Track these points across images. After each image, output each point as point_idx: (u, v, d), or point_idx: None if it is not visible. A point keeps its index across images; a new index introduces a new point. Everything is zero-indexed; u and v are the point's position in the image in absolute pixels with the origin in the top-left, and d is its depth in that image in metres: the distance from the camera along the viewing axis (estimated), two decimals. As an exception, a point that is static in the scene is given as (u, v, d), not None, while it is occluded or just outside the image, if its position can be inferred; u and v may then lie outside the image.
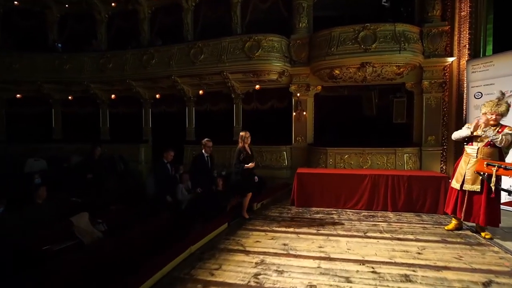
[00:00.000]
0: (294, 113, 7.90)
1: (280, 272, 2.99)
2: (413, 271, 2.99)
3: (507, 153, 3.75)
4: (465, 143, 4.01)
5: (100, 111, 10.05)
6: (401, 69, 6.82)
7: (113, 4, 9.34)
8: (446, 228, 4.26)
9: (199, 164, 5.28)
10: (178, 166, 6.86)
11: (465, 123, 6.12)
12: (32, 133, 10.31)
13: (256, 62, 7.42)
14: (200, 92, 8.77)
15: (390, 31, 6.54)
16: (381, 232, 4.18)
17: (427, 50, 6.87)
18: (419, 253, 3.43)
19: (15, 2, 9.56)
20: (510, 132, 3.59)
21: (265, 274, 2.96)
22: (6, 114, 10.57)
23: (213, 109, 9.08)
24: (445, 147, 6.95)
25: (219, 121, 8.79)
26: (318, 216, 5.04)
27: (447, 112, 6.93)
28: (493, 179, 3.37)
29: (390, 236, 4.00)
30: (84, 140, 9.52)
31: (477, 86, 5.77)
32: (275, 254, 3.44)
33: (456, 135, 4.05)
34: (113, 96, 9.66)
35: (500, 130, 3.66)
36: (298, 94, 7.82)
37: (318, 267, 3.10)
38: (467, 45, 6.30)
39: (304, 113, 7.82)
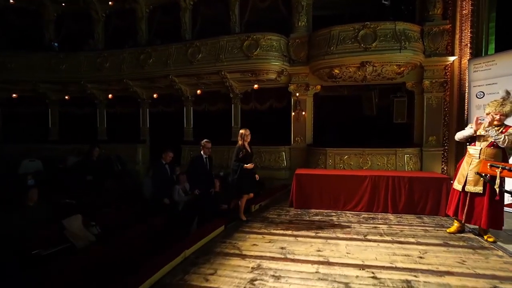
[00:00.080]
0: (293, 113, 7.80)
1: (277, 278, 2.88)
2: (415, 276, 2.88)
3: (511, 154, 3.65)
4: (467, 144, 3.91)
5: (97, 111, 9.95)
6: (402, 68, 6.71)
7: (110, 3, 9.24)
8: (448, 230, 4.15)
9: (197, 166, 5.15)
10: (174, 167, 6.76)
11: (467, 123, 6.04)
12: (29, 133, 10.21)
13: (255, 61, 7.32)
14: (198, 91, 8.67)
15: (391, 29, 6.44)
16: (381, 235, 4.07)
17: (428, 49, 6.77)
18: (420, 257, 3.32)
19: (11, 1, 9.46)
20: (515, 132, 3.49)
21: (261, 279, 2.85)
22: (2, 114, 10.48)
23: (211, 109, 8.99)
24: (446, 147, 6.85)
25: (217, 121, 8.69)
26: (317, 218, 4.93)
27: (448, 112, 6.83)
28: (497, 181, 3.26)
29: (391, 239, 3.89)
30: (81, 141, 9.44)
31: (479, 86, 5.67)
32: (272, 258, 3.33)
33: (460, 135, 3.94)
34: (110, 96, 9.55)
35: (504, 130, 3.56)
36: (297, 94, 7.72)
37: (316, 272, 2.99)
38: (468, 44, 6.20)
39: (303, 113, 7.72)
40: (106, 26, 9.63)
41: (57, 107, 10.18)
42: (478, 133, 3.71)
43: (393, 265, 3.12)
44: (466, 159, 3.88)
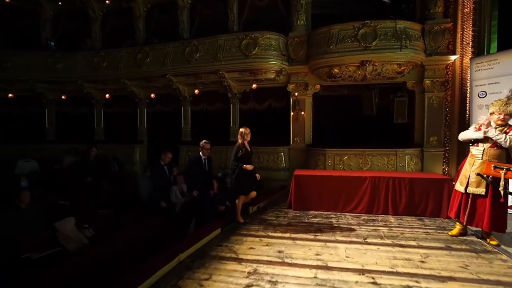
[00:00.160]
0: (292, 113, 7.70)
1: (274, 283, 2.78)
2: (416, 282, 2.78)
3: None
4: (470, 144, 3.81)
5: (95, 111, 9.86)
6: (402, 68, 6.62)
7: (107, 1, 9.14)
8: (450, 233, 4.05)
9: (195, 167, 5.03)
10: (171, 168, 6.66)
11: (469, 123, 5.94)
12: (25, 133, 10.11)
13: (253, 60, 7.23)
14: (196, 91, 8.58)
15: (391, 28, 6.35)
16: (381, 237, 3.97)
17: (429, 48, 6.67)
18: (422, 262, 3.22)
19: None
20: (518, 132, 3.39)
21: (257, 285, 2.75)
22: (-2, 113, 10.38)
23: (209, 109, 8.90)
24: (447, 148, 6.75)
25: (216, 121, 8.60)
26: (316, 220, 4.83)
27: (450, 112, 6.73)
28: (502, 183, 3.16)
29: (391, 242, 3.79)
30: (78, 141, 9.35)
31: (481, 85, 5.57)
32: (269, 263, 3.23)
33: (464, 136, 3.84)
34: (107, 95, 9.46)
35: (508, 130, 3.45)
36: (296, 94, 7.62)
37: (314, 277, 2.90)
38: (470, 43, 6.10)
39: (302, 113, 7.62)
40: (103, 25, 9.54)
41: (54, 107, 10.08)
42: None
43: (394, 270, 3.02)
44: (468, 160, 3.79)
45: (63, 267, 3.09)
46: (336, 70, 6.83)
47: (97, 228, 4.33)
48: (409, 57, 6.43)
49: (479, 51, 6.01)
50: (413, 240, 3.85)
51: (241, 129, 4.59)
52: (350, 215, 5.06)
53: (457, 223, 4.01)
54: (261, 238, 3.99)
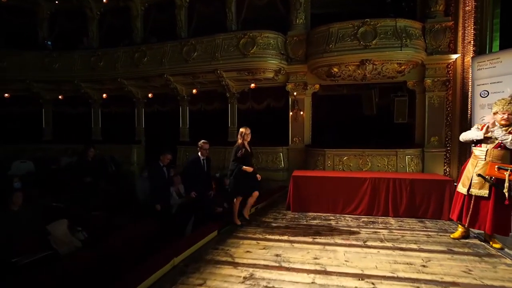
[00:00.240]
0: (291, 113, 7.61)
1: (270, 289, 2.68)
2: (418, 287, 2.69)
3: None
4: (473, 145, 3.71)
5: (92, 111, 9.77)
6: (403, 67, 6.52)
7: (104, 0, 9.04)
8: (452, 236, 3.94)
9: (194, 168, 4.89)
10: (170, 169, 6.55)
11: (470, 123, 5.84)
12: (22, 133, 10.02)
13: (251, 59, 7.13)
14: (194, 91, 8.48)
15: (391, 26, 6.25)
16: (381, 240, 3.87)
17: (429, 47, 6.57)
18: (423, 266, 3.12)
19: (3, -1, 9.28)
20: (523, 133, 3.29)
21: (253, 291, 2.66)
22: (-6, 113, 10.29)
23: (208, 109, 8.81)
24: (448, 148, 6.65)
25: (214, 121, 8.51)
26: (314, 222, 4.74)
27: (451, 112, 6.63)
28: (506, 184, 3.06)
29: (392, 246, 3.69)
30: (75, 141, 9.26)
31: (483, 84, 5.47)
32: (266, 267, 3.13)
33: (465, 136, 3.74)
34: (104, 95, 9.37)
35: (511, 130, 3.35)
36: (295, 93, 7.53)
37: (312, 282, 2.80)
38: (472, 41, 6.00)
39: (301, 112, 7.52)
40: (100, 24, 9.45)
41: (51, 106, 10.01)
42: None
43: (395, 275, 2.92)
44: (471, 161, 3.68)
45: (53, 272, 2.99)
46: (335, 69, 6.73)
47: (91, 230, 4.24)
48: (410, 56, 6.33)
49: (481, 50, 5.91)
50: (414, 243, 3.75)
51: (241, 129, 4.47)
52: (349, 217, 4.97)
53: (459, 225, 3.92)
54: (258, 241, 3.90)
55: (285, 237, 4.02)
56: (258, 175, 4.49)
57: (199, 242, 3.75)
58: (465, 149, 6.18)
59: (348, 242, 3.83)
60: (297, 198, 5.28)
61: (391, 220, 4.77)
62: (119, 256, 3.55)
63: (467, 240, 3.84)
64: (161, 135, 8.96)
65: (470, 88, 5.92)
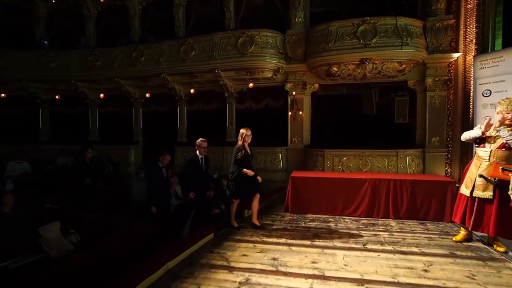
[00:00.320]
0: (289, 113, 7.50)
1: (266, 295, 2.59)
2: (420, 293, 2.59)
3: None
4: (476, 145, 3.60)
5: (89, 111, 9.68)
6: (403, 66, 6.41)
7: (101, -1, 8.97)
8: (454, 239, 3.84)
9: (192, 167, 4.72)
10: (169, 170, 6.44)
11: (472, 123, 5.74)
12: (18, 133, 9.93)
13: (249, 58, 7.03)
14: (192, 91, 8.38)
15: (392, 25, 6.14)
16: (382, 243, 3.77)
17: (430, 46, 6.46)
18: (425, 271, 3.02)
19: (0, -2, 9.21)
20: (528, 133, 3.19)
21: (248, 297, 2.56)
22: (-10, 114, 10.21)
23: (206, 109, 8.72)
24: (450, 148, 6.54)
25: (212, 121, 8.41)
26: (313, 224, 4.64)
27: (452, 112, 6.52)
28: (511, 186, 2.95)
29: (392, 249, 3.59)
30: (72, 141, 9.17)
31: (485, 84, 5.36)
32: (263, 271, 3.04)
33: (466, 135, 3.64)
34: (101, 95, 9.27)
35: (517, 130, 3.25)
36: (294, 93, 7.42)
37: (310, 288, 2.70)
38: (474, 40, 5.89)
39: (300, 112, 7.42)
40: (98, 24, 9.37)
41: (48, 106, 9.93)
42: (488, 134, 3.41)
43: (395, 280, 2.82)
44: (474, 161, 3.58)
45: (43, 276, 2.89)
46: (335, 69, 6.63)
47: (85, 233, 4.14)
48: (410, 55, 6.23)
49: (483, 49, 5.80)
50: (415, 247, 3.66)
51: (242, 130, 4.35)
52: (349, 219, 4.88)
53: (462, 228, 3.81)
54: (255, 244, 3.80)
55: (283, 240, 3.93)
56: (258, 177, 4.37)
57: (195, 246, 3.66)
58: (467, 150, 6.08)
59: (347, 245, 3.73)
60: (296, 199, 5.19)
61: (392, 222, 4.68)
62: (112, 259, 3.44)
63: (469, 243, 3.74)
64: (158, 136, 8.87)
65: (472, 87, 5.82)
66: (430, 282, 2.77)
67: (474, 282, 2.78)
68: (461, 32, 6.24)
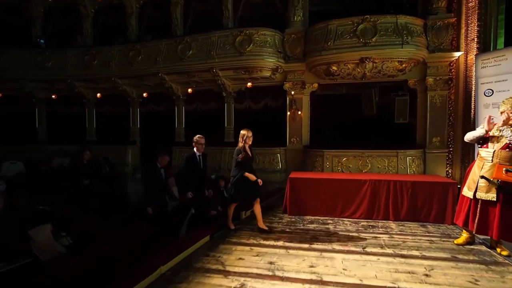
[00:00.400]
0: (288, 113, 7.41)
1: (261, 302, 2.49)
2: (421, 300, 2.50)
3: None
4: (479, 146, 3.51)
5: (86, 111, 9.58)
6: (404, 65, 6.32)
7: (99, -2, 8.87)
8: (455, 242, 3.75)
9: (190, 164, 4.58)
10: (167, 171, 6.33)
11: (474, 123, 5.65)
12: (15, 133, 9.83)
13: (248, 57, 6.93)
14: (189, 90, 8.28)
15: (392, 23, 6.05)
16: (382, 247, 3.68)
17: (431, 44, 6.36)
18: (426, 275, 2.92)
19: (-5, -4, 9.11)
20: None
21: (243, 304, 2.46)
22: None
23: (204, 109, 8.62)
24: (451, 149, 6.44)
25: (210, 121, 8.30)
26: (312, 226, 4.55)
27: (454, 112, 6.42)
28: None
29: (392, 252, 3.50)
30: (69, 141, 9.08)
31: (487, 83, 5.27)
32: (259, 276, 2.95)
33: (470, 136, 3.54)
34: (98, 94, 9.17)
35: (521, 130, 3.16)
36: (293, 92, 7.32)
37: (307, 294, 2.61)
38: (475, 39, 5.79)
39: (299, 112, 7.32)
40: (95, 22, 9.26)
41: (44, 106, 9.82)
42: (491, 134, 3.31)
43: (396, 286, 2.73)
44: (477, 162, 3.48)
45: (30, 281, 2.80)
46: (334, 68, 6.53)
47: (78, 235, 4.04)
48: (411, 54, 6.13)
49: (484, 47, 5.70)
50: (416, 250, 3.56)
51: (243, 131, 4.23)
52: (348, 221, 4.78)
53: (464, 231, 3.72)
54: (252, 247, 3.71)
55: (280, 243, 3.84)
56: (259, 180, 4.25)
57: (189, 249, 3.57)
58: (468, 150, 5.98)
59: (346, 248, 3.64)
60: (294, 201, 5.10)
61: (392, 224, 4.59)
62: (104, 263, 3.35)
63: (472, 247, 3.65)
64: (156, 136, 8.77)
65: (473, 86, 5.73)
66: (432, 288, 2.68)
67: (477, 287, 2.69)
68: (463, 30, 6.15)
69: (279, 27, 7.23)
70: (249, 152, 4.25)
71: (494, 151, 3.28)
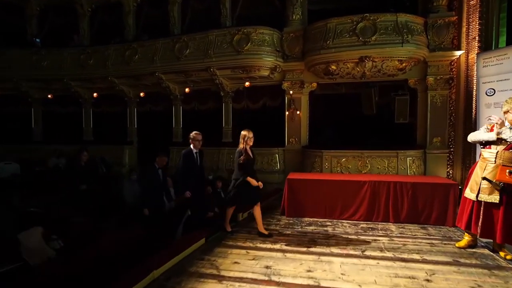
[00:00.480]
0: (287, 113, 7.31)
1: (256, 309, 2.39)
2: (422, 307, 2.40)
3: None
4: (481, 146, 3.40)
5: (83, 111, 9.49)
6: (404, 64, 6.23)
7: (95, -4, 8.78)
8: (457, 245, 3.65)
9: (187, 162, 4.45)
10: (166, 172, 6.20)
11: (475, 123, 5.55)
12: (11, 134, 9.73)
13: (245, 56, 6.84)
14: (186, 90, 8.18)
15: (392, 21, 5.96)
16: (381, 250, 3.58)
17: (432, 43, 6.28)
18: (427, 280, 2.82)
19: (-10, -5, 9.01)
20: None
21: (236, 311, 2.36)
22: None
23: (201, 108, 8.53)
24: (452, 149, 6.36)
25: (208, 121, 8.20)
26: (310, 228, 4.44)
27: (454, 111, 6.34)
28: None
29: (392, 256, 3.39)
30: (66, 141, 8.98)
31: (489, 82, 5.17)
32: (254, 281, 2.84)
33: (473, 137, 3.43)
34: (95, 94, 9.08)
35: (525, 131, 3.06)
36: (292, 92, 7.24)
37: (304, 300, 2.51)
38: (477, 37, 5.70)
39: (298, 112, 7.23)
40: (91, 21, 9.19)
41: (41, 106, 9.74)
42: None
43: (396, 292, 2.63)
44: (480, 163, 3.38)
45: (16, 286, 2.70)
46: (333, 67, 6.44)
47: (71, 238, 3.94)
48: (411, 53, 6.04)
49: (486, 46, 5.61)
50: (417, 253, 3.46)
51: (244, 132, 4.10)
52: (347, 223, 4.68)
53: (466, 233, 3.61)
54: (248, 250, 3.61)
55: (277, 246, 3.74)
56: (259, 183, 4.13)
57: (184, 252, 3.46)
58: (470, 151, 5.89)
59: (345, 251, 3.54)
60: (292, 202, 5.00)
61: (392, 226, 4.49)
62: (96, 267, 3.25)
63: (474, 250, 3.54)
64: (153, 136, 8.69)
65: (475, 86, 5.63)
66: (433, 294, 2.58)
67: (480, 293, 2.60)
68: (464, 29, 6.06)
69: (277, 26, 7.15)
70: (250, 153, 4.13)
71: (498, 152, 3.17)
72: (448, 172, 6.37)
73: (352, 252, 3.53)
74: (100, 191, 6.62)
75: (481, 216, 3.24)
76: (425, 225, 4.49)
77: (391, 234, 4.15)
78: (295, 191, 5.01)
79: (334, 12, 6.61)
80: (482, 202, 3.27)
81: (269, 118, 7.69)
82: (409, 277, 2.89)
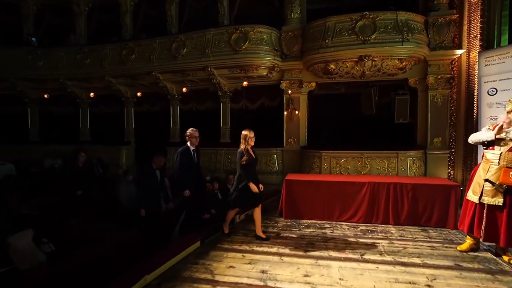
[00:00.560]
0: (285, 113, 7.22)
1: (250, 317, 2.30)
2: (423, 315, 2.30)
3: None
4: (484, 147, 3.31)
5: (80, 111, 9.39)
6: (404, 63, 6.13)
7: (92, -5, 8.69)
8: (459, 248, 3.55)
9: (185, 159, 4.35)
10: (163, 173, 6.09)
11: (476, 123, 5.46)
12: (6, 134, 9.63)
13: (243, 55, 6.75)
14: (184, 89, 8.09)
15: (392, 20, 5.87)
16: (381, 253, 3.48)
17: (433, 42, 6.18)
18: (428, 286, 2.73)
19: (-14, -6, 8.92)
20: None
21: (230, 319, 2.27)
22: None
23: (199, 108, 8.44)
24: (453, 150, 6.26)
25: (206, 121, 8.09)
26: (308, 231, 4.35)
27: (455, 111, 6.24)
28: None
29: (392, 260, 3.30)
30: (63, 142, 8.89)
31: (491, 81, 5.08)
32: (249, 287, 2.76)
33: (474, 138, 3.34)
34: (92, 94, 8.98)
35: (529, 131, 2.96)
36: (290, 92, 7.14)
37: (300, 307, 2.41)
38: (478, 36, 5.61)
39: (297, 112, 7.13)
40: (89, 21, 9.09)
41: (37, 106, 9.64)
42: (497, 136, 3.11)
43: (396, 298, 2.53)
44: (482, 165, 3.28)
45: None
46: (332, 66, 6.35)
47: (63, 241, 3.85)
48: (411, 52, 5.94)
49: (488, 45, 5.52)
50: (417, 257, 3.36)
51: (245, 132, 4.00)
52: (346, 225, 4.59)
53: (468, 236, 3.52)
54: (244, 254, 3.51)
55: (274, 249, 3.64)
56: (260, 185, 4.03)
57: (177, 256, 3.37)
58: (471, 151, 5.80)
59: (343, 255, 3.44)
60: (290, 204, 4.90)
61: (392, 229, 4.39)
62: (88, 271, 3.16)
63: (476, 254, 3.45)
64: (151, 136, 8.59)
65: (476, 85, 5.54)
66: (435, 301, 2.49)
67: (483, 300, 2.50)
68: (465, 27, 5.96)
69: (276, 25, 7.05)
70: (252, 154, 4.03)
71: (501, 153, 3.08)
72: (449, 173, 6.27)
73: (351, 255, 3.43)
74: (96, 195, 6.52)
75: (484, 219, 3.15)
76: (426, 228, 4.39)
77: (391, 237, 4.05)
78: (293, 193, 4.91)
79: (333, 11, 6.52)
80: (485, 205, 3.18)
81: (268, 118, 7.61)
82: (410, 282, 2.79)
